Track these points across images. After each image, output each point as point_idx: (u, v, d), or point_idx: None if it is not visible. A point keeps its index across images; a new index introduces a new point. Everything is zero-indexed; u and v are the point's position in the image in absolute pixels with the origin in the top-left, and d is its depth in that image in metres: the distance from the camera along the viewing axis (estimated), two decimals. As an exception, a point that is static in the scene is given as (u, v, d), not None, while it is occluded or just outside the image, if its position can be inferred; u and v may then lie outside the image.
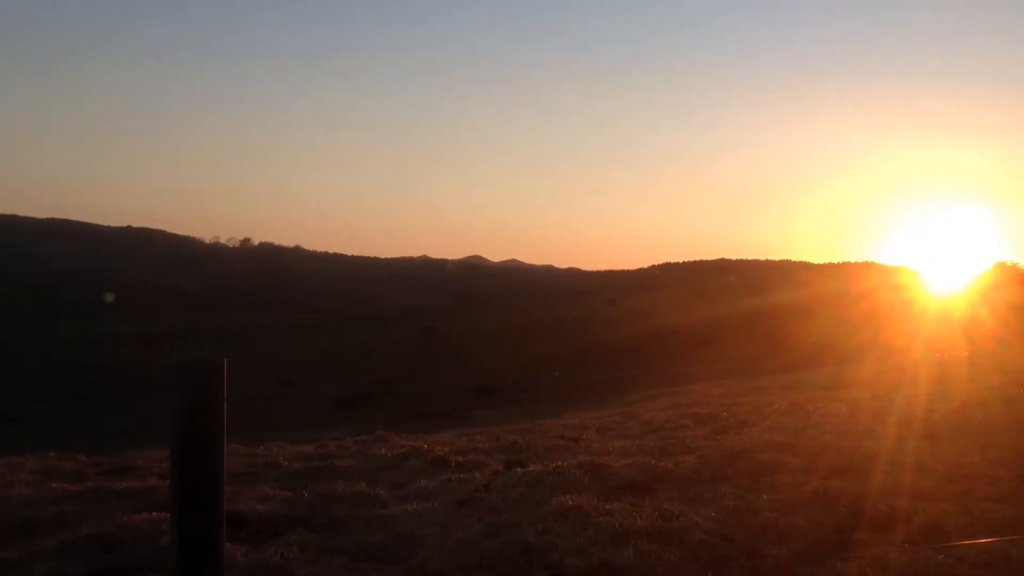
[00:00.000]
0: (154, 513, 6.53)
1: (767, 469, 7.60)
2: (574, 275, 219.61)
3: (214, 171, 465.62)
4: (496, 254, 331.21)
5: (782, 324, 72.31)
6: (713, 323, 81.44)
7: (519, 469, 8.12)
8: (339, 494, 7.56)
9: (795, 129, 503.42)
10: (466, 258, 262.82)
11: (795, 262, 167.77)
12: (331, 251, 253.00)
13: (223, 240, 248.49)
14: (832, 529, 5.60)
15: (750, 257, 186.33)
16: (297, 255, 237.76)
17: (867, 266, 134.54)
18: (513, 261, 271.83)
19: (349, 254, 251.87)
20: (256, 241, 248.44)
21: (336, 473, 9.44)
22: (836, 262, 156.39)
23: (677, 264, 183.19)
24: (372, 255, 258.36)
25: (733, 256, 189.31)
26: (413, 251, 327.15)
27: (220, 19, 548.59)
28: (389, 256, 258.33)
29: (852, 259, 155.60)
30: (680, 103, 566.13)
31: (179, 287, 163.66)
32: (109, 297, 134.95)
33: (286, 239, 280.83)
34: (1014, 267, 56.37)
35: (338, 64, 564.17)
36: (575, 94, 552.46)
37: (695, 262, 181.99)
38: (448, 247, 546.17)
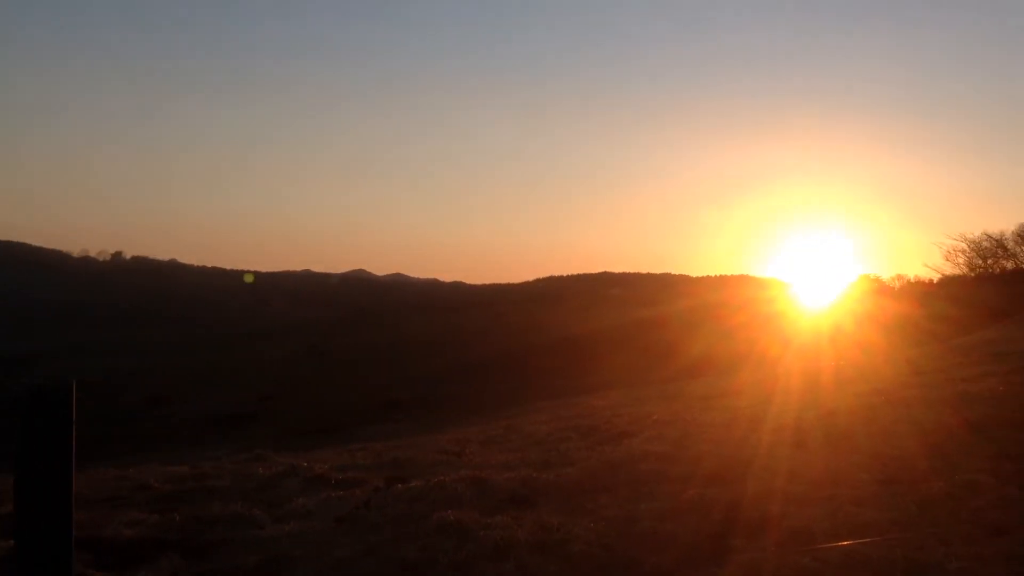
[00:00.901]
0: (12, 541, 6.16)
1: (647, 479, 7.74)
2: (459, 289, 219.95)
3: (82, 181, 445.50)
4: (381, 267, 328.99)
5: (664, 335, 74.02)
6: (598, 335, 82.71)
7: (400, 485, 8.04)
8: (213, 516, 7.30)
9: (673, 148, 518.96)
10: (351, 271, 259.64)
11: (675, 275, 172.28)
12: (209, 265, 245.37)
13: (92, 254, 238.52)
14: (709, 536, 5.74)
15: (632, 270, 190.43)
16: (173, 268, 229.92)
17: (742, 279, 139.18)
18: (398, 275, 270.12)
19: (227, 268, 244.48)
20: (128, 255, 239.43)
21: (211, 494, 9.12)
22: (713, 275, 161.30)
23: (561, 278, 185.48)
24: (252, 268, 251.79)
25: (616, 269, 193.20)
26: (295, 265, 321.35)
27: (87, 22, 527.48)
28: (270, 270, 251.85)
29: (728, 272, 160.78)
30: (560, 121, 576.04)
31: (44, 303, 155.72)
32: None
33: (160, 253, 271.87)
34: (876, 280, 59.46)
35: (213, 73, 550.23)
36: (456, 109, 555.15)
37: (579, 275, 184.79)
38: (332, 261, 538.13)
